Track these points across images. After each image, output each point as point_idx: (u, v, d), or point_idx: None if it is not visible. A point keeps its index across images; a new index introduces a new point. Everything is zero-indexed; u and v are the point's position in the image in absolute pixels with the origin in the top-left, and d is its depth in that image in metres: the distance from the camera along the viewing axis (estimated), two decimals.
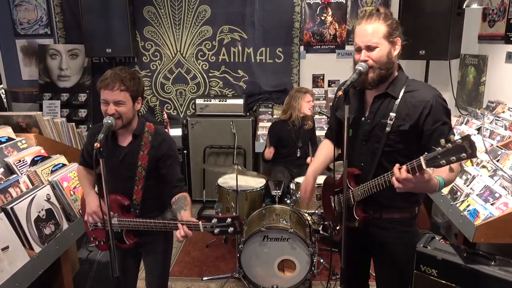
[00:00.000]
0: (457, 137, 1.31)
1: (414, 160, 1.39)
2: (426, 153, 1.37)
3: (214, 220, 1.71)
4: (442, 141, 1.31)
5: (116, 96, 1.80)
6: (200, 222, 1.73)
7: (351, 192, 1.77)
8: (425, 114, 1.60)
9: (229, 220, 1.70)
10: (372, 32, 1.61)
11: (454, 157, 1.29)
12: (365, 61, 1.62)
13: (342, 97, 1.52)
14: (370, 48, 1.62)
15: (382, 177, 1.59)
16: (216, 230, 1.71)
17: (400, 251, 1.80)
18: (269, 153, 3.61)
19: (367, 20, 1.63)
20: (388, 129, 1.65)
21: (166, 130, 3.89)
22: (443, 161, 1.31)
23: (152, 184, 1.97)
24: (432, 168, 1.40)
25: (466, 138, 1.27)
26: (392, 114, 1.65)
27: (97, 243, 2.06)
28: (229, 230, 1.71)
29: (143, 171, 1.92)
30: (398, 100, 1.66)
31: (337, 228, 1.91)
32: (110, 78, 1.81)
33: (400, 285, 1.86)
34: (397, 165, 1.44)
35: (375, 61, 1.62)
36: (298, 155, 3.63)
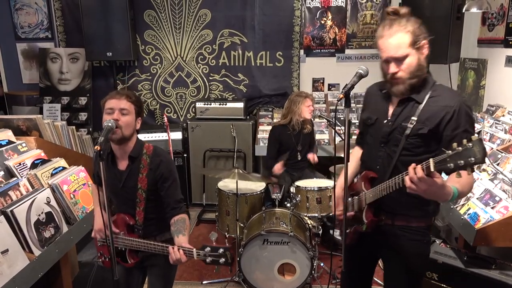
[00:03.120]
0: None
1: (424, 162, 1.37)
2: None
3: (207, 249, 1.74)
4: (455, 144, 1.27)
5: (123, 104, 1.87)
6: (194, 249, 1.76)
7: (364, 194, 1.76)
8: (447, 120, 1.57)
9: (221, 250, 1.73)
10: (397, 44, 1.58)
11: (462, 161, 1.24)
12: (395, 73, 1.61)
13: (343, 100, 1.53)
14: (399, 60, 1.59)
15: (394, 179, 1.56)
16: (208, 259, 1.75)
17: (412, 260, 1.75)
18: (279, 169, 3.46)
19: (389, 31, 1.60)
20: (407, 132, 1.63)
21: (168, 136, 3.91)
22: (451, 164, 1.27)
23: (153, 206, 1.99)
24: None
25: (477, 142, 1.23)
26: (414, 118, 1.63)
27: (103, 258, 2.10)
28: (220, 261, 1.73)
29: (143, 193, 1.94)
30: (422, 105, 1.63)
31: (347, 231, 1.85)
32: (116, 91, 1.93)
33: None
34: (412, 165, 1.41)
35: (405, 71, 1.60)
36: (298, 158, 3.62)
